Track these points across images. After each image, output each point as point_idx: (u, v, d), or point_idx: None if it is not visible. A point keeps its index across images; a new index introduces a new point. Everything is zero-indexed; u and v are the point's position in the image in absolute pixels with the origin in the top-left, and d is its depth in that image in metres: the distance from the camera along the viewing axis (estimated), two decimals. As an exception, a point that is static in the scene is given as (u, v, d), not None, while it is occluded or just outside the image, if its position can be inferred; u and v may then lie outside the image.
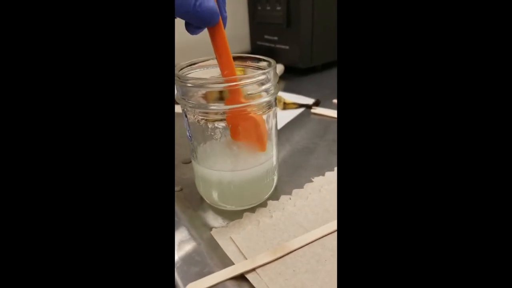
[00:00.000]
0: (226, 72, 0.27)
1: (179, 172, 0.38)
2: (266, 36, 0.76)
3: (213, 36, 0.26)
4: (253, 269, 0.25)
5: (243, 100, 0.27)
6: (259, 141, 0.30)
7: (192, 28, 0.25)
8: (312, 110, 0.53)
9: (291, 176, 0.36)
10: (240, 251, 0.26)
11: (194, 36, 0.27)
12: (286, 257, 0.26)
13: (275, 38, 0.74)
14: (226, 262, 0.26)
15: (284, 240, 0.27)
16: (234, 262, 0.25)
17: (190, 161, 0.41)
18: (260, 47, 0.80)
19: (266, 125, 0.29)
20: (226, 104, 0.27)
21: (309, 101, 0.57)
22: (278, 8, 0.69)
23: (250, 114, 0.28)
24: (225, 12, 0.27)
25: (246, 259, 0.26)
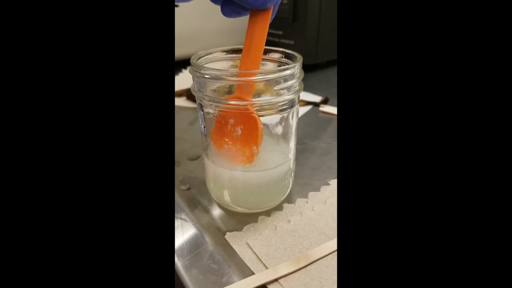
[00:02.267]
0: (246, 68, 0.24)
1: (186, 170, 0.36)
2: (270, 30, 0.74)
3: (254, 23, 0.23)
4: (276, 280, 0.23)
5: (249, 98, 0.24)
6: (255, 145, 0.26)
7: (232, 9, 0.22)
8: (321, 108, 0.52)
9: (306, 178, 0.34)
10: (259, 259, 0.24)
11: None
12: (310, 267, 0.24)
13: (280, 32, 0.72)
14: (244, 270, 0.24)
15: (305, 248, 0.25)
16: (254, 271, 0.24)
17: (197, 158, 0.39)
18: (263, 41, 0.77)
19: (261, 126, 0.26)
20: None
21: (316, 98, 0.55)
22: (285, 1, 0.67)
23: (253, 115, 0.25)
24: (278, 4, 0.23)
25: (267, 268, 0.24)
